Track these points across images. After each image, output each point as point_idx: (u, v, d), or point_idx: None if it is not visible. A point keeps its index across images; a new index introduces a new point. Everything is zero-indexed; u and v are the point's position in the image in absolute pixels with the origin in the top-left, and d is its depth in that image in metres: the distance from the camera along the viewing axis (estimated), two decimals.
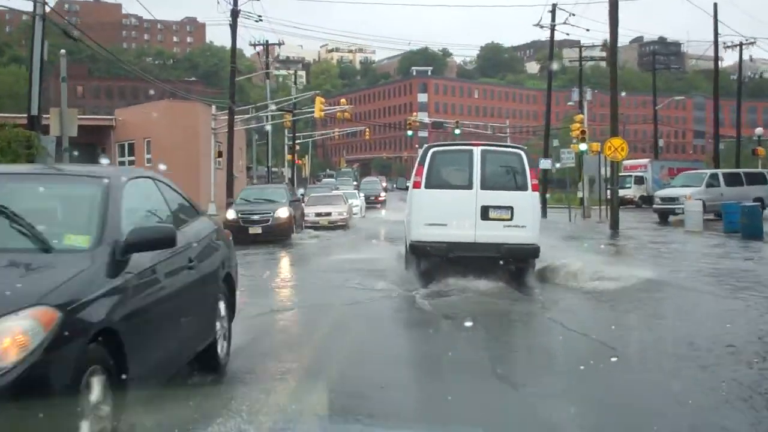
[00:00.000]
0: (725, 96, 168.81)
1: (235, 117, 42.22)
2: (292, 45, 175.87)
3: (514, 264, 13.84)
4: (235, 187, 53.65)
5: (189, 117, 42.40)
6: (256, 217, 25.26)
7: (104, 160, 29.87)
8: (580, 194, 33.97)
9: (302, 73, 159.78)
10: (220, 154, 40.83)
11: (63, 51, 24.51)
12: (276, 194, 28.15)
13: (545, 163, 37.84)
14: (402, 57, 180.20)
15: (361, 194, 43.15)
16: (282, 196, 27.34)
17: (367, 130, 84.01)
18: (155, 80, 54.98)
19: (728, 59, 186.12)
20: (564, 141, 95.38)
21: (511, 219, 13.51)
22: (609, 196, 36.55)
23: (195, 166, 43.24)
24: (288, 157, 69.38)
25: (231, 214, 26.11)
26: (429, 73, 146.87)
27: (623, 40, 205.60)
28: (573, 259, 14.92)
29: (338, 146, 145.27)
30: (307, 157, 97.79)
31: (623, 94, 49.40)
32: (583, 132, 34.57)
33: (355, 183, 62.51)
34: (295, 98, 46.90)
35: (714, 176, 35.09)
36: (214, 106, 41.80)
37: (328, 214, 32.89)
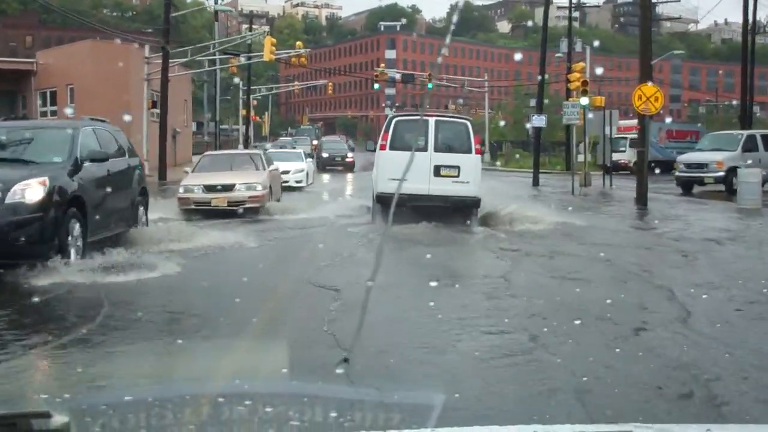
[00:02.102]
0: (700, 59, 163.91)
1: (175, 61, 36.08)
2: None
3: (460, 211, 16.72)
4: (179, 144, 47.68)
5: (118, 60, 36.19)
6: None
7: (68, 110, 31.72)
8: (580, 158, 28.26)
9: (266, 28, 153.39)
10: (153, 105, 34.71)
11: None
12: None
13: (538, 120, 32.16)
14: (370, 13, 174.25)
15: (309, 159, 34.62)
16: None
17: (330, 84, 77.87)
18: (108, 29, 48.39)
19: (702, 23, 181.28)
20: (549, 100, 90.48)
21: (457, 176, 16.58)
22: (620, 160, 31.48)
23: (124, 119, 37.04)
24: (242, 112, 63.15)
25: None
26: (398, 28, 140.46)
27: None
28: None
29: (301, 104, 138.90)
30: (267, 114, 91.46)
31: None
32: (584, 83, 28.92)
33: (315, 142, 56.19)
34: (241, 38, 40.30)
35: (751, 138, 28.77)
36: (147, 47, 35.52)
37: (228, 188, 19.47)
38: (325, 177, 39.85)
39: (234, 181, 19.45)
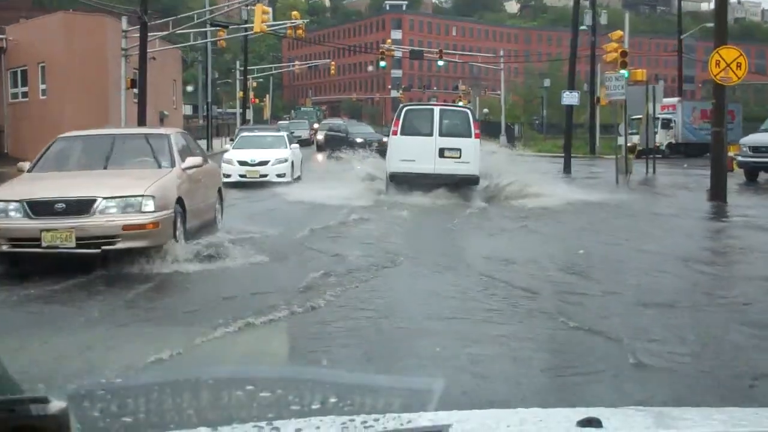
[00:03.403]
0: (709, 39, 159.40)
1: (155, 35, 32.16)
2: None
3: (461, 187, 18.93)
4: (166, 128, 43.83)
5: (94, 34, 32.34)
6: None
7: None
8: (620, 140, 23.97)
9: (268, 8, 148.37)
10: (132, 84, 30.82)
11: None
12: None
13: (570, 97, 28.04)
14: None
15: (295, 145, 26.91)
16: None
17: (333, 64, 73.79)
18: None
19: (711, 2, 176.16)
20: (556, 82, 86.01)
21: (459, 157, 18.82)
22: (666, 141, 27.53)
23: (102, 99, 33.29)
24: (239, 94, 59.17)
25: None
26: (404, 8, 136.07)
27: None
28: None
29: (305, 87, 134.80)
30: (268, 96, 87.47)
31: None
32: (624, 53, 24.78)
33: (316, 126, 52.06)
34: (228, 4, 35.86)
35: None
36: (125, 19, 31.57)
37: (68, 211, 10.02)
38: (319, 165, 34.65)
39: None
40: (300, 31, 34.69)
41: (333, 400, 2.58)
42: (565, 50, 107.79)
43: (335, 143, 36.59)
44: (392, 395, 2.53)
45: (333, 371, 4.81)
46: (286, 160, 23.99)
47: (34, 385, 4.02)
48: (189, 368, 5.30)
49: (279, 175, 23.48)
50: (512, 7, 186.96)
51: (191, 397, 2.76)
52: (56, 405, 1.33)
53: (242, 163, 23.67)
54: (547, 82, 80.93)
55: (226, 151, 29.17)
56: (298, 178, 24.83)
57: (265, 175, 23.32)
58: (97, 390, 2.99)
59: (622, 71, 24.58)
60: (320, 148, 41.57)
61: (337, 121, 53.45)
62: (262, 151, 24.14)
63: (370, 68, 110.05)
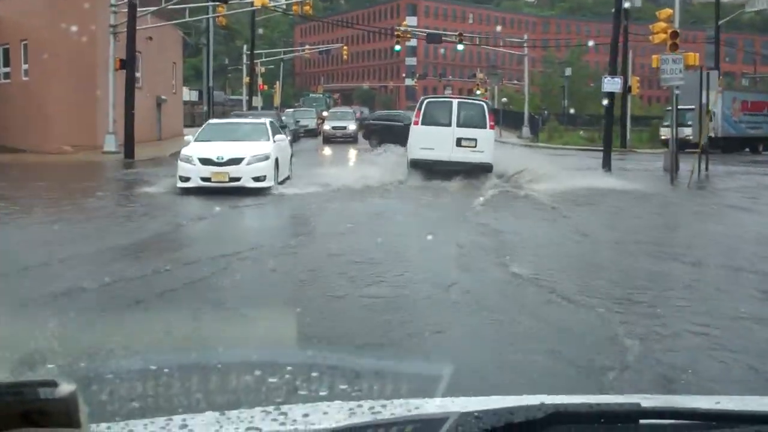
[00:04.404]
0: (735, 30, 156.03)
1: (145, 10, 29.13)
2: None
3: (476, 174, 19.97)
4: (165, 115, 40.71)
5: (80, 8, 29.21)
6: None
7: None
8: (663, 134, 20.66)
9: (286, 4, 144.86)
10: (122, 65, 27.81)
11: None
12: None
13: (612, 84, 24.67)
14: None
15: (281, 136, 20.72)
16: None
17: (345, 48, 70.63)
18: None
19: None
20: (576, 71, 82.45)
21: (475, 147, 20.04)
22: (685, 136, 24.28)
23: (90, 81, 30.27)
24: (246, 79, 55.96)
25: None
26: None
27: None
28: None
29: (317, 74, 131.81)
30: (278, 83, 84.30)
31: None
32: (674, 34, 21.43)
33: (325, 114, 48.67)
34: None
35: None
36: None
37: None
38: (317, 158, 30.88)
39: None
40: (307, 8, 31.47)
41: (342, 386, 2.72)
42: (585, 39, 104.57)
43: (387, 135, 30.29)
44: (400, 380, 2.64)
45: (342, 355, 4.81)
46: (267, 157, 17.95)
47: None
48: (201, 349, 5.12)
49: (257, 179, 17.63)
50: None
51: (199, 381, 2.84)
52: (65, 388, 1.33)
53: (205, 162, 17.50)
54: (568, 71, 77.65)
55: None
56: (287, 179, 19.58)
57: (237, 179, 17.48)
58: (105, 373, 3.15)
59: (671, 55, 21.21)
60: (369, 140, 35.17)
61: (381, 112, 49.20)
62: (234, 146, 18.06)
63: (382, 54, 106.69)
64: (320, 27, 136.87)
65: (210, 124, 20.90)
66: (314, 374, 2.79)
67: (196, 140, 18.92)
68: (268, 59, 72.81)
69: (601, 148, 42.00)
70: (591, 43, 71.42)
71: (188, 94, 71.90)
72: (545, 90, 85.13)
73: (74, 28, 29.50)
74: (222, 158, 17.53)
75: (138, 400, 2.49)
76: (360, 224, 13.54)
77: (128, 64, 26.36)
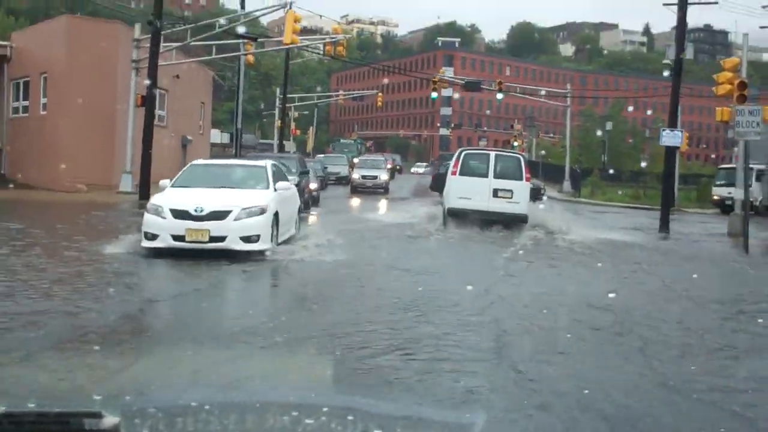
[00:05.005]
0: None
1: (169, 46, 27.62)
2: (309, 15, 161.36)
3: (512, 224, 20.23)
4: (191, 157, 39.06)
5: (102, 42, 27.82)
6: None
7: None
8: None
9: (300, 16, 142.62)
10: (143, 101, 26.19)
11: None
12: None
13: (671, 137, 22.44)
14: (426, 31, 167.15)
15: (285, 184, 15.44)
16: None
17: (380, 95, 69.16)
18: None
19: None
20: (616, 125, 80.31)
21: (511, 198, 20.42)
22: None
23: (108, 117, 28.75)
24: (277, 123, 54.53)
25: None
26: (456, 45, 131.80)
27: (664, 27, 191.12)
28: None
29: (351, 122, 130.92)
30: (311, 128, 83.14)
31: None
32: (742, 84, 19.29)
33: (356, 161, 46.74)
34: (249, 13, 30.44)
35: None
36: (137, 26, 27.01)
37: None
38: (340, 210, 26.96)
39: None
40: (340, 48, 29.69)
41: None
42: (622, 94, 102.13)
43: None
44: (433, 428, 2.69)
45: (377, 401, 4.54)
46: (262, 211, 13.70)
47: None
48: (240, 391, 4.93)
49: (247, 239, 13.36)
50: (567, 49, 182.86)
51: (238, 419, 2.81)
52: (109, 420, 1.37)
53: (180, 215, 13.25)
54: (609, 125, 75.61)
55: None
56: (291, 238, 15.55)
57: (221, 238, 13.21)
58: (148, 407, 2.98)
59: (739, 108, 19.03)
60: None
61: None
62: (221, 194, 13.97)
63: (417, 103, 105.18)
64: (356, 75, 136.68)
65: (194, 165, 15.95)
66: (349, 418, 2.67)
67: (173, 185, 14.65)
68: (302, 103, 71.69)
69: (648, 207, 39.92)
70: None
71: (220, 137, 70.86)
72: (583, 144, 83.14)
73: (94, 62, 28.09)
74: (201, 210, 13.15)
75: None
76: (391, 328, 8.33)
77: (148, 101, 24.70)
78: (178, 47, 28.10)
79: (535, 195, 31.97)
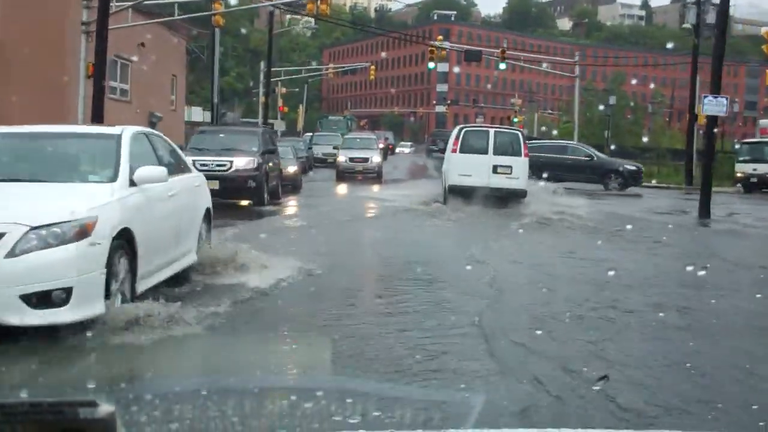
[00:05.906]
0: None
1: (122, 4, 24.01)
2: None
3: (511, 199, 20.52)
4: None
5: (49, 5, 24.19)
6: None
7: None
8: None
9: (311, 19, 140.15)
10: (94, 72, 22.59)
11: None
12: None
13: (715, 105, 18.99)
14: (422, 5, 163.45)
15: (188, 176, 9.77)
16: None
17: (372, 68, 65.44)
18: None
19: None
20: (618, 101, 76.88)
21: (510, 173, 20.57)
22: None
23: (56, 90, 25.23)
24: (261, 98, 50.85)
25: None
26: (452, 18, 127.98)
27: (663, 0, 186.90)
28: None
29: (343, 99, 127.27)
30: (301, 106, 79.50)
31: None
32: None
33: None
34: None
35: None
36: None
37: None
38: (309, 207, 21.49)
39: None
40: (324, 6, 25.99)
41: (376, 414, 2.58)
42: (631, 70, 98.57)
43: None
44: (433, 410, 2.66)
45: (376, 383, 4.58)
46: (80, 234, 6.47)
47: None
48: (236, 377, 4.43)
49: (35, 298, 6.22)
50: (564, 24, 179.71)
51: (236, 405, 2.71)
52: (104, 409, 1.34)
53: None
54: (612, 99, 72.25)
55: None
56: (181, 274, 8.84)
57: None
58: (144, 395, 2.91)
59: None
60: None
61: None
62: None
63: (412, 79, 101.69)
64: (349, 51, 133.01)
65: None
66: (348, 400, 2.65)
67: None
68: (290, 77, 67.91)
69: (666, 185, 36.62)
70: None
71: (201, 115, 66.98)
72: (584, 120, 79.82)
73: (38, 27, 24.57)
74: None
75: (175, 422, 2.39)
76: None
77: (97, 68, 21.12)
78: (133, 5, 24.45)
79: (635, 179, 31.18)
